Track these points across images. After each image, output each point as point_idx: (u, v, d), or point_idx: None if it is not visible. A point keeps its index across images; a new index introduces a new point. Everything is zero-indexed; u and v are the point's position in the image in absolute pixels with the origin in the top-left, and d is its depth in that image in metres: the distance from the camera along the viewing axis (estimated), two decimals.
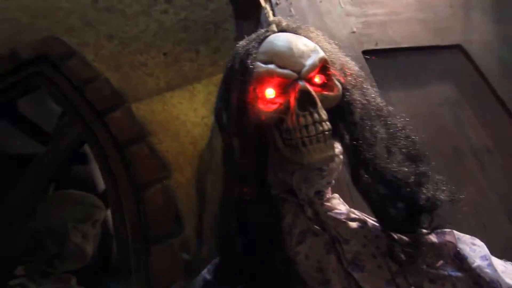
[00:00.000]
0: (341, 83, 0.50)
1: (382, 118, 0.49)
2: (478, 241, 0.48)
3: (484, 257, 0.45)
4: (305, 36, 0.51)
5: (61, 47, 1.05)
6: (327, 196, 0.51)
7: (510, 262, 0.48)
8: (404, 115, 0.49)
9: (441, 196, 0.44)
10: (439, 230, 0.49)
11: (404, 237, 0.47)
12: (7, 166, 1.13)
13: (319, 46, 0.50)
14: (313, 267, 0.46)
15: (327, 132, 0.45)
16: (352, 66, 0.53)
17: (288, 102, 0.45)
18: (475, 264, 0.45)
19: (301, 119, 0.44)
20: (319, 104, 0.45)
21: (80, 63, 1.03)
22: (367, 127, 0.48)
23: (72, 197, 1.16)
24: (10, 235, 1.08)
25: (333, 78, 0.49)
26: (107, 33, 0.99)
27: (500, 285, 0.42)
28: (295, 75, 0.46)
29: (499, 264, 0.45)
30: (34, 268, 1.05)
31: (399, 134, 0.48)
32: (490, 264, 0.44)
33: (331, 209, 0.49)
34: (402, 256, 0.45)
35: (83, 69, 1.02)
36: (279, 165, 0.50)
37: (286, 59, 0.46)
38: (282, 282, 0.43)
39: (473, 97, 0.78)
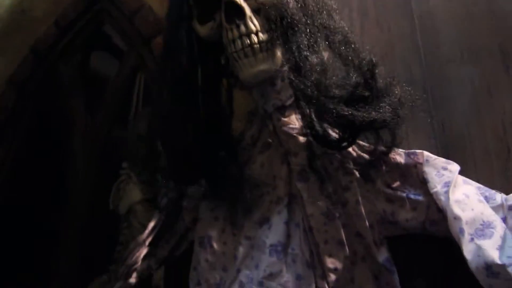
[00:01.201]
0: None
1: (323, 28, 0.42)
2: (452, 167, 0.42)
3: (446, 184, 0.40)
4: None
5: None
6: (287, 102, 0.50)
7: (489, 193, 0.40)
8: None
9: (381, 116, 0.38)
10: (411, 151, 0.44)
11: (364, 155, 0.45)
12: None
13: None
14: (268, 175, 0.50)
15: (256, 45, 0.43)
16: None
17: (220, 16, 0.43)
18: (434, 190, 0.41)
19: (229, 33, 0.43)
20: (248, 14, 0.42)
21: None
22: (304, 35, 0.42)
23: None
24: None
25: None
26: None
27: (446, 213, 0.38)
28: None
29: (461, 193, 0.38)
30: (133, 161, 1.43)
31: (339, 41, 0.40)
32: (447, 192, 0.39)
33: (286, 124, 0.49)
34: (356, 172, 0.45)
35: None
36: None
37: None
38: (233, 185, 0.50)
39: None
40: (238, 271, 0.48)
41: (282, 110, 0.49)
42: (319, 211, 0.45)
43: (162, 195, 0.73)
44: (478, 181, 0.44)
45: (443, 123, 0.50)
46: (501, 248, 0.33)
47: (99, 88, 1.25)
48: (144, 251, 0.63)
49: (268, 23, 0.44)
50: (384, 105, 0.40)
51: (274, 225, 0.48)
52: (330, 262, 0.44)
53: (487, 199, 0.39)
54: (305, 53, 0.42)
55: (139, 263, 0.63)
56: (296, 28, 0.42)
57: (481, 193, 0.40)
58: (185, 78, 0.48)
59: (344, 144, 0.44)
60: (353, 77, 0.41)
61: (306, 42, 0.42)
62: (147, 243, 0.65)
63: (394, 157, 0.44)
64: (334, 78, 0.42)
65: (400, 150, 0.46)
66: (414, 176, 0.43)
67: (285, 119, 0.49)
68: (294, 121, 0.49)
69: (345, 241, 0.45)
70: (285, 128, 0.49)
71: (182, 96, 0.49)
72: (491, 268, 0.33)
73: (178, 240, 0.64)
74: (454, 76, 0.52)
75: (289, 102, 0.48)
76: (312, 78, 0.41)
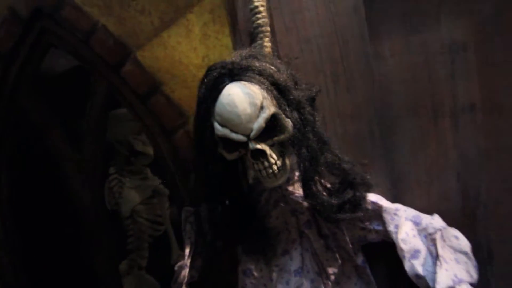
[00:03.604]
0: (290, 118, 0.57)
1: (323, 149, 0.59)
2: (401, 212, 0.67)
3: (396, 226, 0.66)
4: (252, 84, 0.54)
5: None
6: (294, 179, 0.69)
7: (432, 217, 0.67)
8: None
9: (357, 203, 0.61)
10: (375, 201, 0.68)
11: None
12: None
13: (265, 95, 0.54)
14: (281, 223, 0.72)
15: (276, 171, 0.59)
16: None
17: (245, 152, 0.57)
18: (388, 228, 0.67)
19: (255, 166, 0.58)
20: (268, 152, 0.57)
21: (73, 10, 1.02)
22: (312, 154, 0.59)
23: (125, 115, 1.46)
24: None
25: (281, 120, 0.56)
26: None
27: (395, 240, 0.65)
28: (245, 139, 0.56)
29: (404, 232, 0.65)
30: (119, 167, 1.52)
31: (333, 163, 0.59)
32: (396, 232, 0.65)
33: (293, 193, 0.69)
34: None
35: (79, 18, 1.02)
36: None
37: (236, 126, 0.56)
38: (259, 234, 0.72)
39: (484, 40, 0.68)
40: (274, 286, 0.74)
41: (288, 182, 0.68)
42: (321, 244, 0.71)
43: (184, 221, 0.92)
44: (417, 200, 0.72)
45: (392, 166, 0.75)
46: (423, 265, 0.63)
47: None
48: (187, 270, 0.86)
49: (280, 150, 0.59)
50: (358, 196, 0.62)
51: (293, 256, 0.73)
52: (330, 270, 0.73)
53: (416, 224, 0.67)
54: (308, 164, 0.59)
55: (185, 278, 0.86)
56: (306, 152, 0.58)
57: (413, 221, 0.67)
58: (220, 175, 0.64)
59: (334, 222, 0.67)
60: (343, 192, 0.61)
61: (309, 158, 0.59)
62: (188, 263, 0.87)
63: (365, 206, 0.68)
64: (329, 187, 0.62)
65: (369, 199, 0.70)
66: (377, 217, 0.69)
67: (290, 189, 0.69)
68: (298, 190, 0.69)
69: (337, 257, 0.72)
70: (292, 197, 0.69)
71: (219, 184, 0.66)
72: (417, 276, 0.64)
73: (205, 253, 0.88)
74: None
75: (294, 178, 0.68)
76: (317, 189, 0.60)
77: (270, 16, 0.75)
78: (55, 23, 1.05)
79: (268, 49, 0.71)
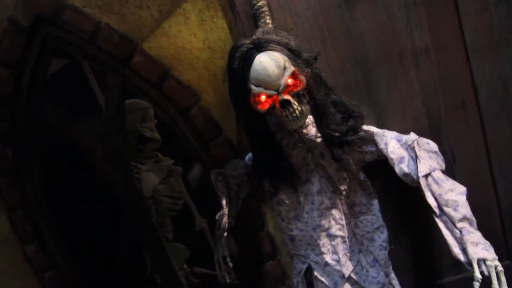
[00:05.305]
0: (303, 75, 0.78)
1: (330, 93, 0.80)
2: (387, 133, 0.91)
3: (385, 144, 0.90)
4: (275, 52, 0.73)
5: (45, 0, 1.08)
6: (306, 124, 0.91)
7: (409, 135, 0.92)
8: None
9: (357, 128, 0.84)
10: (367, 129, 0.91)
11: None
12: None
13: (285, 59, 0.73)
14: (300, 161, 0.94)
15: (299, 115, 0.79)
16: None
17: (274, 104, 0.77)
18: (380, 147, 0.91)
19: (283, 113, 0.78)
20: (292, 101, 0.77)
21: (74, 14, 1.10)
22: (323, 97, 0.80)
23: (132, 105, 1.57)
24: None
25: (299, 76, 0.76)
26: None
27: (387, 155, 0.89)
28: (275, 93, 0.75)
29: (392, 146, 0.90)
30: (133, 155, 1.65)
31: (338, 101, 0.81)
32: (386, 147, 0.89)
33: (307, 133, 0.91)
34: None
35: (81, 20, 1.11)
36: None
37: (268, 83, 0.75)
38: (286, 171, 0.94)
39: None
40: (302, 207, 0.97)
41: (302, 126, 0.90)
42: (333, 169, 0.95)
43: (214, 181, 1.11)
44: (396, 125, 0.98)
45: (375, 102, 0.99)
46: (407, 166, 0.88)
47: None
48: (226, 217, 1.07)
49: (299, 98, 0.79)
50: (357, 123, 0.85)
51: (314, 182, 0.96)
52: (342, 187, 0.97)
53: (398, 141, 0.92)
54: (322, 109, 0.80)
55: (226, 224, 1.07)
56: (320, 96, 0.79)
57: (396, 139, 0.92)
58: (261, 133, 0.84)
59: (343, 145, 0.89)
60: (347, 122, 0.83)
61: (320, 100, 0.80)
62: (226, 211, 1.08)
63: (360, 134, 0.91)
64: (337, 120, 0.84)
65: (363, 128, 0.93)
66: (370, 141, 0.93)
67: (305, 131, 0.91)
68: (310, 131, 0.91)
69: (345, 176, 0.96)
70: (307, 137, 0.91)
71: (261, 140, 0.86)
72: (405, 175, 0.90)
73: (236, 200, 1.10)
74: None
75: (307, 122, 0.89)
76: (328, 122, 0.82)
77: None
78: (58, 28, 1.12)
79: (270, 25, 0.88)
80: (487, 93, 0.98)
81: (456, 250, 0.73)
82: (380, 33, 0.96)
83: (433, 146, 0.87)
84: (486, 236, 0.78)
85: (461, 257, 0.72)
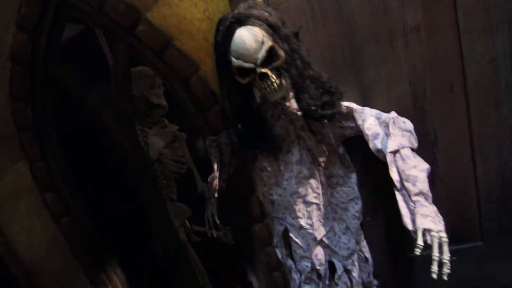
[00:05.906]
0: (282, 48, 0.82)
1: (306, 68, 0.84)
2: (366, 110, 0.95)
3: (362, 120, 0.94)
4: (254, 27, 0.77)
5: None
6: (289, 97, 0.96)
7: (390, 114, 0.95)
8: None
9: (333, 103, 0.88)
10: (348, 105, 0.96)
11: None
12: None
13: (264, 33, 0.78)
14: (283, 131, 1.01)
15: (276, 87, 0.85)
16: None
17: (254, 76, 0.83)
18: (358, 122, 0.95)
19: (262, 85, 0.84)
20: (270, 74, 0.82)
21: None
22: (299, 72, 0.85)
23: (140, 72, 1.66)
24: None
25: (277, 50, 0.81)
26: None
27: (364, 131, 0.94)
28: (253, 66, 0.81)
29: (368, 123, 0.94)
30: (140, 120, 1.77)
31: (315, 77, 0.85)
32: (363, 123, 0.94)
33: (289, 107, 0.97)
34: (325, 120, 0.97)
35: None
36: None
37: (247, 56, 0.80)
38: (269, 140, 1.01)
39: None
40: (283, 175, 1.05)
41: (285, 99, 0.95)
42: (313, 141, 1.01)
43: (209, 147, 1.20)
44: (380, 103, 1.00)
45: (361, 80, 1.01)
46: (381, 143, 0.92)
47: None
48: (217, 180, 1.17)
49: (278, 71, 0.84)
50: (333, 99, 0.89)
51: (294, 152, 1.03)
52: (320, 159, 1.03)
53: (378, 118, 0.95)
54: (300, 83, 0.85)
55: (217, 187, 1.17)
56: (295, 71, 0.83)
57: (375, 117, 0.95)
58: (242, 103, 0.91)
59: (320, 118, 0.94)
60: (323, 96, 0.87)
61: (297, 74, 0.85)
62: (217, 175, 1.18)
63: (341, 110, 0.96)
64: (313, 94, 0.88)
65: (344, 104, 0.97)
66: (350, 117, 0.97)
67: (288, 104, 0.96)
68: (293, 104, 0.96)
69: (325, 149, 1.02)
70: (289, 110, 0.96)
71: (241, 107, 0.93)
72: (378, 150, 0.94)
73: (229, 166, 1.19)
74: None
75: (289, 96, 0.95)
76: (305, 96, 0.87)
77: None
78: None
79: (260, 0, 0.92)
80: (476, 76, 0.98)
81: (407, 220, 0.79)
82: (370, 11, 0.96)
83: (409, 125, 0.91)
84: (462, 217, 0.82)
85: (410, 226, 0.79)
